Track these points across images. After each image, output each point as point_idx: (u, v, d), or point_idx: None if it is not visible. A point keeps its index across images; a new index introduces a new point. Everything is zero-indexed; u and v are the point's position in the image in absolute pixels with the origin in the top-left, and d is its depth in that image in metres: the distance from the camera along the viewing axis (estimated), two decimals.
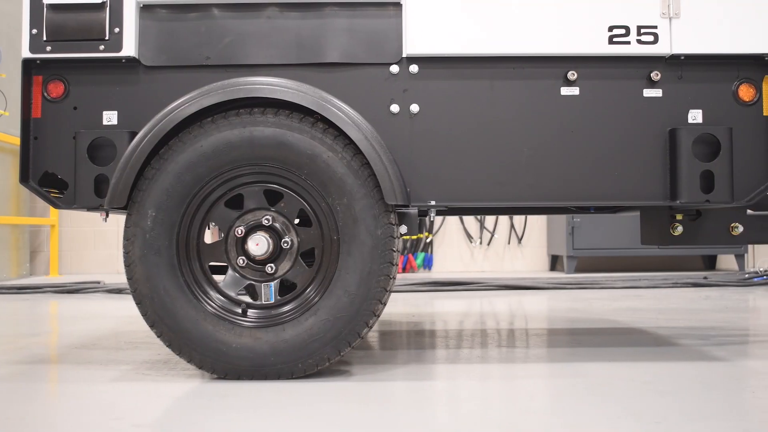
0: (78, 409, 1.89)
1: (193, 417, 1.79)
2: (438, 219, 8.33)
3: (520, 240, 8.46)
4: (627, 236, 7.45)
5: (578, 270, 7.97)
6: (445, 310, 4.27)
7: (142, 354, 2.72)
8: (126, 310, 4.26)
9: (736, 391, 2.03)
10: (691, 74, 2.43)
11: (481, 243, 8.44)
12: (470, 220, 8.43)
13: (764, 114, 2.46)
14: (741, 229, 2.71)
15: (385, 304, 2.23)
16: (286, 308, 2.23)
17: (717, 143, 2.38)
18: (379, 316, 2.21)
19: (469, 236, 8.40)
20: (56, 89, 2.42)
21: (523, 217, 8.41)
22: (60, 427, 1.73)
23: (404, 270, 8.12)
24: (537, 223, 8.48)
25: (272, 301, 2.22)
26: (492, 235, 8.41)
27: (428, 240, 8.27)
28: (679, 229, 2.71)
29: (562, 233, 7.71)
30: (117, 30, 2.36)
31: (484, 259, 8.46)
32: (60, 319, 3.95)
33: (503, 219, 8.44)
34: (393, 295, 5.38)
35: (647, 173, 2.40)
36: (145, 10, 2.39)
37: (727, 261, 8.43)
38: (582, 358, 2.55)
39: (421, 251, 8.24)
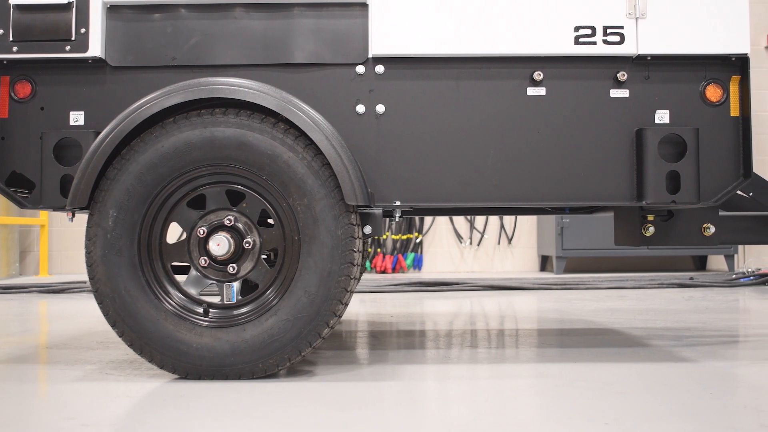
0: (29, 409, 1.89)
1: (147, 417, 1.79)
2: (428, 220, 8.33)
3: (510, 240, 8.45)
4: None
5: (567, 270, 7.97)
6: (427, 311, 4.27)
7: (111, 354, 2.71)
8: None
9: (695, 393, 2.02)
10: (658, 75, 2.43)
11: (471, 243, 8.44)
12: (460, 221, 8.42)
13: (731, 114, 2.46)
14: (713, 229, 2.71)
15: (346, 305, 2.23)
16: (246, 308, 2.23)
17: (683, 144, 2.38)
18: (340, 316, 2.21)
19: (459, 237, 8.39)
20: (23, 89, 2.43)
21: (513, 217, 8.41)
22: (6, 427, 1.73)
23: (394, 270, 8.11)
24: (527, 223, 8.47)
25: (233, 301, 2.22)
26: (482, 236, 8.40)
27: (418, 240, 8.26)
28: (651, 229, 2.71)
29: (552, 234, 7.71)
30: (83, 30, 2.37)
31: (474, 260, 8.45)
32: (39, 319, 3.95)
33: (493, 219, 8.44)
34: (381, 295, 5.38)
35: (615, 174, 2.40)
36: (111, 10, 2.39)
37: (717, 261, 8.43)
38: (548, 359, 2.55)
39: (411, 252, 8.23)
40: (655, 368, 2.37)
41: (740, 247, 8.20)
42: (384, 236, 8.09)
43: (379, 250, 8.15)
